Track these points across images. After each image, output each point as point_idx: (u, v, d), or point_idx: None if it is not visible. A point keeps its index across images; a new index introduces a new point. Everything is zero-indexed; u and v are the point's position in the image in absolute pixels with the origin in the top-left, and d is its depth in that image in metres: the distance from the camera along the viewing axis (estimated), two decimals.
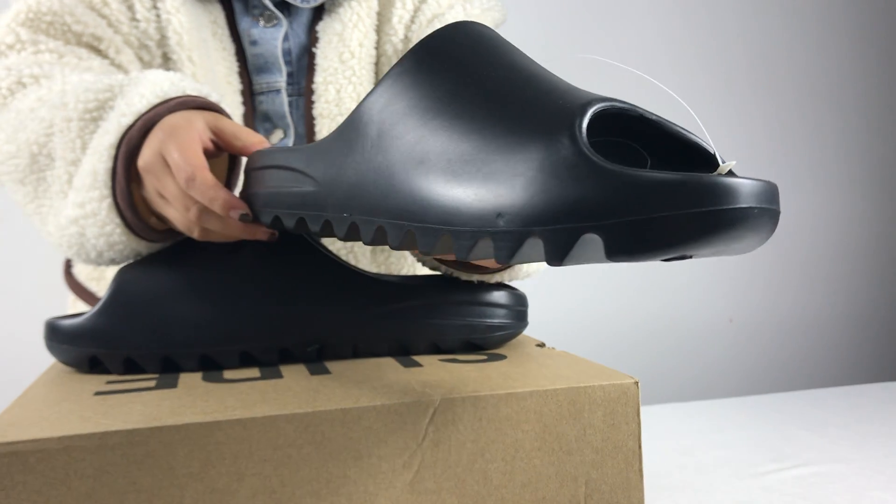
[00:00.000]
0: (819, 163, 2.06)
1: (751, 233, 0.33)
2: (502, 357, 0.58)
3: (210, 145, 0.59)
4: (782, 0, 2.02)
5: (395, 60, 0.87)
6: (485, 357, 0.58)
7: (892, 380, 1.39)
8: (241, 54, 0.85)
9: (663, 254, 0.32)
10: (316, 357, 0.58)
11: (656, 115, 0.39)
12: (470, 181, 0.38)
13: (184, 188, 0.55)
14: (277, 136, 0.86)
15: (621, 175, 0.32)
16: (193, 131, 0.57)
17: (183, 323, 0.56)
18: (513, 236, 0.35)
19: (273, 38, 0.84)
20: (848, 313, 2.14)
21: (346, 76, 0.85)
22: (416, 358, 0.58)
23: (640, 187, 0.31)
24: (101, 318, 0.56)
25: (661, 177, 0.31)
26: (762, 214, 0.32)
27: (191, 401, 0.46)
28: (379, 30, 0.89)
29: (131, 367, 0.56)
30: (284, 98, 0.85)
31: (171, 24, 0.79)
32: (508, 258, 0.35)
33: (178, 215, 0.57)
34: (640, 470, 0.49)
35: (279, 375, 0.53)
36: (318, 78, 0.85)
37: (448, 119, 0.41)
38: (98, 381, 0.53)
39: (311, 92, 0.85)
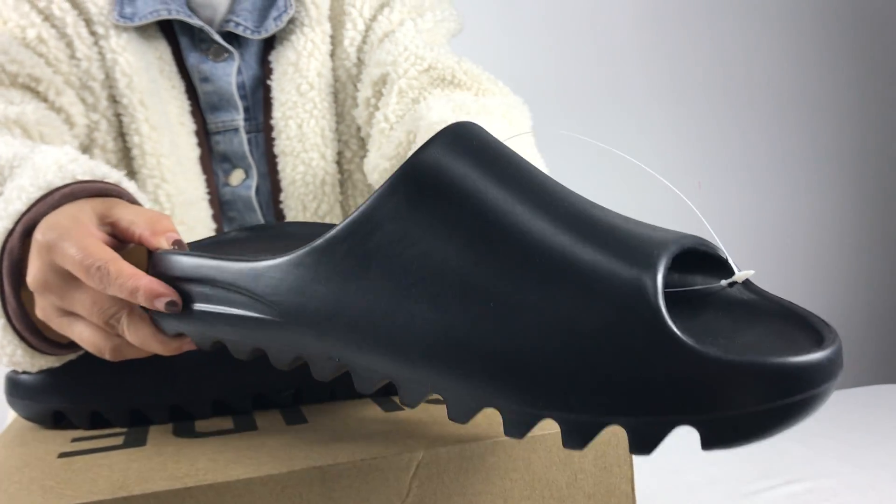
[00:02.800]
0: (814, 163, 2.06)
1: None
2: None
3: (107, 239, 0.49)
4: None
5: (349, 87, 0.84)
6: None
7: (877, 383, 1.39)
8: (191, 92, 0.80)
9: (763, 439, 0.30)
10: (291, 401, 0.55)
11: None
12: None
13: (97, 287, 0.46)
14: (238, 176, 0.82)
15: (720, 362, 0.29)
16: (82, 227, 0.48)
17: (151, 372, 0.53)
18: (589, 426, 0.32)
19: (225, 73, 0.80)
20: (830, 316, 2.14)
21: (306, 109, 0.81)
22: (397, 399, 0.56)
23: (745, 376, 0.29)
24: (65, 370, 0.54)
25: (768, 363, 0.29)
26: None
27: (160, 462, 0.44)
28: (332, 54, 0.84)
29: (98, 421, 0.53)
30: (243, 136, 0.82)
31: (117, 64, 0.74)
32: (581, 445, 0.32)
33: (90, 332, 0.48)
34: None
35: (253, 427, 0.50)
36: (277, 113, 0.81)
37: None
38: (63, 440, 0.51)
39: (271, 128, 0.81)
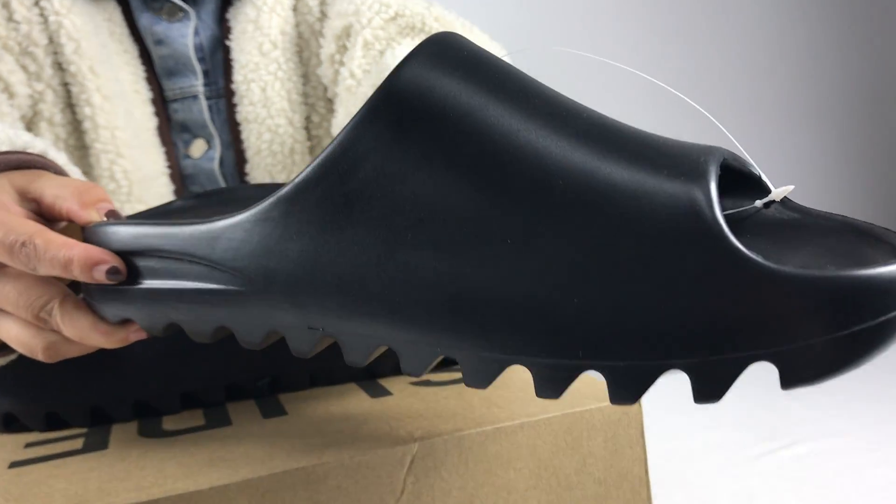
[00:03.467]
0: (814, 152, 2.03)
1: None
2: None
3: (31, 216, 0.43)
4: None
5: (313, 44, 0.77)
6: (461, 375, 0.52)
7: None
8: (145, 56, 0.74)
9: (852, 369, 0.25)
10: (268, 390, 0.51)
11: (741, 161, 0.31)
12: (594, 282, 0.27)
13: (25, 267, 0.39)
14: (199, 147, 0.76)
15: (800, 280, 0.24)
16: None
17: (113, 366, 0.48)
18: (641, 373, 0.27)
19: (181, 35, 0.73)
20: None
21: (270, 71, 0.74)
22: (384, 382, 0.51)
23: (832, 294, 0.24)
24: (14, 366, 0.48)
25: (859, 276, 0.24)
26: None
27: (124, 469, 0.39)
28: (295, 9, 0.77)
29: (54, 422, 0.48)
30: (203, 103, 0.75)
31: (62, 27, 0.68)
32: (634, 398, 0.27)
33: (18, 329, 0.42)
34: (649, 498, 0.43)
35: (227, 422, 0.46)
36: (238, 76, 0.74)
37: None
38: (14, 446, 0.46)
39: (232, 93, 0.75)
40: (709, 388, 0.26)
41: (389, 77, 0.31)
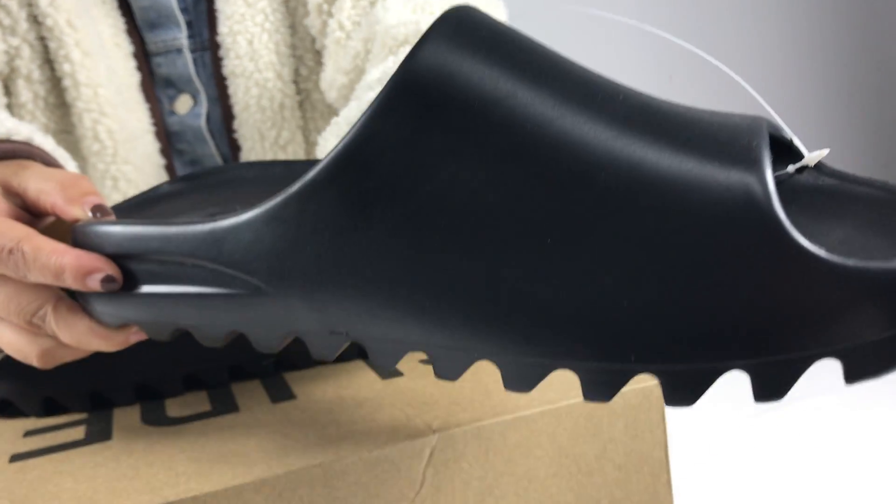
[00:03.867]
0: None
1: None
2: None
3: (17, 213, 0.40)
4: None
5: None
6: None
7: None
8: (125, 7, 0.70)
9: None
10: (273, 370, 0.49)
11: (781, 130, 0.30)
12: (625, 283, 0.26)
13: (14, 275, 0.37)
14: (185, 103, 0.72)
15: (870, 273, 0.23)
16: None
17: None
18: (699, 376, 0.25)
19: None
20: None
21: (256, 22, 0.70)
22: None
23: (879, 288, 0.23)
24: None
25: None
26: None
27: (132, 466, 0.38)
28: None
29: (52, 407, 0.46)
30: (188, 57, 0.71)
31: None
32: (692, 400, 0.26)
33: (10, 334, 0.39)
34: (669, 482, 0.43)
35: (234, 407, 0.44)
36: (223, 28, 0.70)
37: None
38: (13, 434, 0.44)
39: (218, 46, 0.71)
40: (771, 388, 0.25)
41: (406, 62, 0.29)
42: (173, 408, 0.45)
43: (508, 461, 0.39)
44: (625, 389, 0.40)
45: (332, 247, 0.30)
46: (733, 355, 0.25)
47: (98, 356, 0.46)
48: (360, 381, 0.46)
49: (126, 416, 0.45)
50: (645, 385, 0.42)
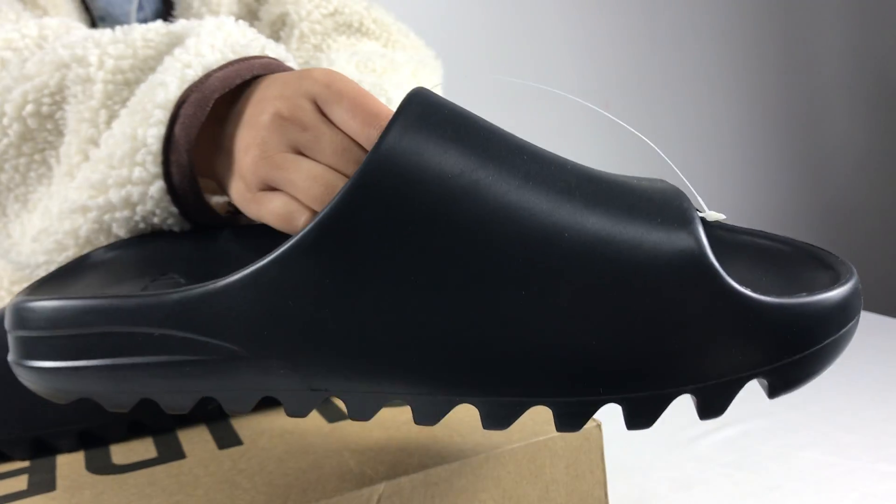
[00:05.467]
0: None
1: None
2: None
3: None
4: None
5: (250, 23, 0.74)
6: None
7: None
8: None
9: (819, 374, 0.30)
10: (218, 413, 0.49)
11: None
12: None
13: (370, 141, 0.37)
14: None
15: (785, 308, 0.29)
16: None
17: None
18: (657, 401, 0.30)
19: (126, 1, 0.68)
20: (749, 221, 2.16)
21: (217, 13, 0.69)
22: (339, 402, 0.50)
23: (807, 319, 0.29)
24: None
25: (823, 300, 0.30)
26: None
27: None
28: None
29: None
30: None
31: None
32: (650, 423, 0.30)
33: (321, 170, 0.38)
34: None
35: (181, 454, 0.44)
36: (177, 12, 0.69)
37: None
38: None
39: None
40: (713, 406, 0.30)
41: (380, 144, 0.31)
42: (118, 454, 0.45)
43: None
44: (565, 433, 0.41)
45: (315, 311, 0.31)
46: (685, 382, 0.30)
47: (40, 402, 0.45)
48: (306, 425, 0.47)
49: (70, 464, 0.45)
50: (586, 427, 0.43)
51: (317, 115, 0.39)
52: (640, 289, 0.30)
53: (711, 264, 0.30)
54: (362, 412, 0.33)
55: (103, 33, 0.47)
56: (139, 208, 0.43)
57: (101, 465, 0.44)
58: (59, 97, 0.46)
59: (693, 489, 0.68)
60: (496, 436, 0.42)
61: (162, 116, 0.41)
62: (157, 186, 0.42)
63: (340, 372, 0.32)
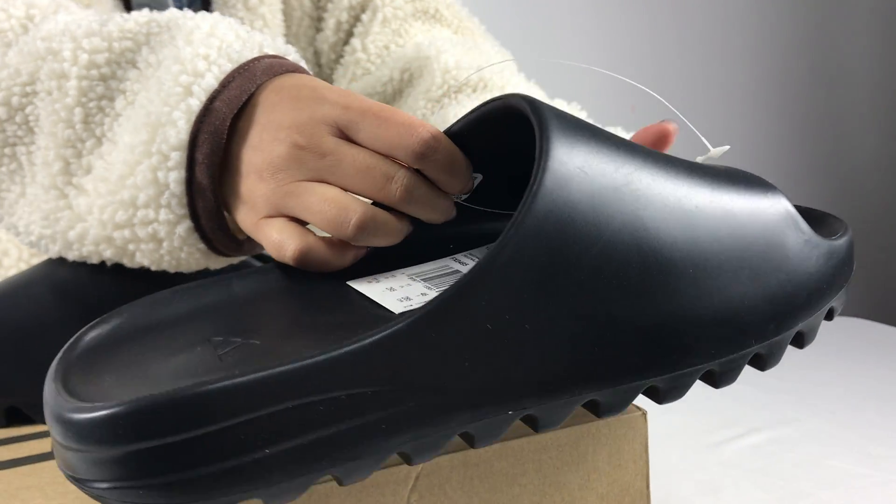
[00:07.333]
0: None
1: None
2: None
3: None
4: None
5: (307, 4, 0.74)
6: None
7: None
8: None
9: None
10: None
11: None
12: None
13: (412, 151, 0.37)
14: None
15: (840, 247, 0.37)
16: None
17: None
18: (785, 341, 0.35)
19: None
20: None
21: (255, 27, 0.68)
22: None
23: (843, 255, 0.37)
24: None
25: (843, 243, 0.37)
26: None
27: None
28: None
29: (16, 417, 0.45)
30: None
31: None
32: (774, 364, 0.36)
33: (335, 193, 0.38)
34: None
35: None
36: None
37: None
38: None
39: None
40: (811, 337, 0.37)
41: (546, 163, 0.31)
42: None
43: (493, 489, 0.39)
44: (609, 419, 0.40)
45: (510, 334, 0.30)
46: (801, 318, 0.35)
47: None
48: None
49: None
50: (630, 415, 0.42)
51: (335, 140, 0.38)
52: (764, 247, 0.34)
53: (798, 217, 0.36)
54: (554, 422, 0.33)
55: (80, 23, 0.45)
56: (165, 244, 0.42)
57: None
58: (29, 89, 0.44)
59: (720, 493, 0.67)
60: None
61: (180, 158, 0.40)
62: (184, 228, 0.41)
63: (534, 387, 0.32)
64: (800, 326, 0.35)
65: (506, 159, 0.39)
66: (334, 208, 0.37)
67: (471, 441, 0.33)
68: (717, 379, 0.35)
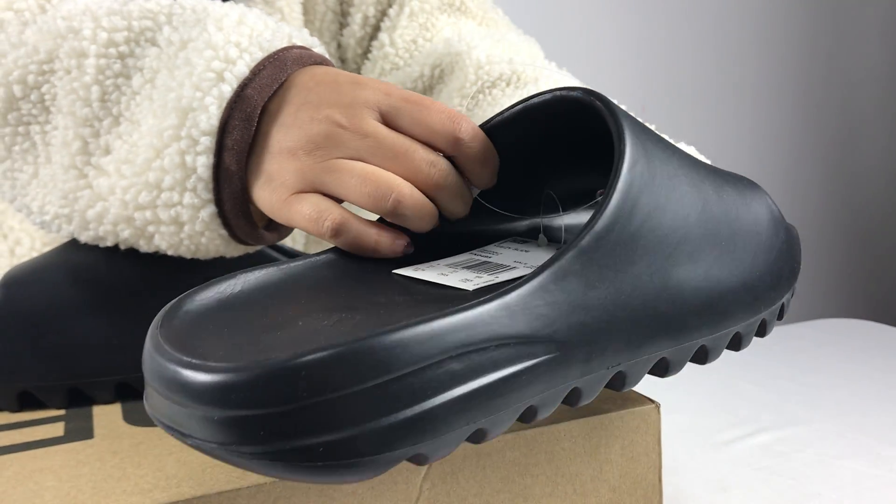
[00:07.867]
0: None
1: None
2: None
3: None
4: None
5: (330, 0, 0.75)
6: None
7: (827, 316, 1.39)
8: None
9: None
10: None
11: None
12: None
13: (454, 138, 0.38)
14: None
15: (795, 231, 0.44)
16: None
17: (94, 345, 0.45)
18: (784, 308, 0.42)
19: None
20: None
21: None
22: None
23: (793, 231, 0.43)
24: None
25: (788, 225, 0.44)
26: None
27: (117, 466, 0.36)
28: None
29: (28, 402, 0.45)
30: None
31: None
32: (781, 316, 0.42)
33: (363, 182, 0.38)
34: None
35: None
36: None
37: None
38: None
39: None
40: (786, 310, 0.42)
41: (629, 136, 0.35)
42: None
43: (505, 478, 0.39)
44: (623, 411, 0.40)
45: (613, 289, 0.33)
46: (789, 290, 0.41)
47: (78, 350, 0.44)
48: None
49: (107, 415, 0.43)
50: (643, 408, 0.41)
51: (376, 123, 0.39)
52: (770, 235, 0.40)
53: (779, 211, 0.42)
54: (633, 382, 0.36)
55: (101, 3, 0.45)
56: (187, 228, 0.42)
57: (139, 418, 0.43)
58: (47, 67, 0.44)
59: (730, 492, 0.67)
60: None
61: (209, 143, 0.40)
62: (208, 213, 0.41)
63: (631, 347, 0.34)
64: (785, 297, 0.41)
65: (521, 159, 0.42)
66: (374, 183, 0.38)
67: (577, 398, 0.34)
68: (741, 342, 0.40)
